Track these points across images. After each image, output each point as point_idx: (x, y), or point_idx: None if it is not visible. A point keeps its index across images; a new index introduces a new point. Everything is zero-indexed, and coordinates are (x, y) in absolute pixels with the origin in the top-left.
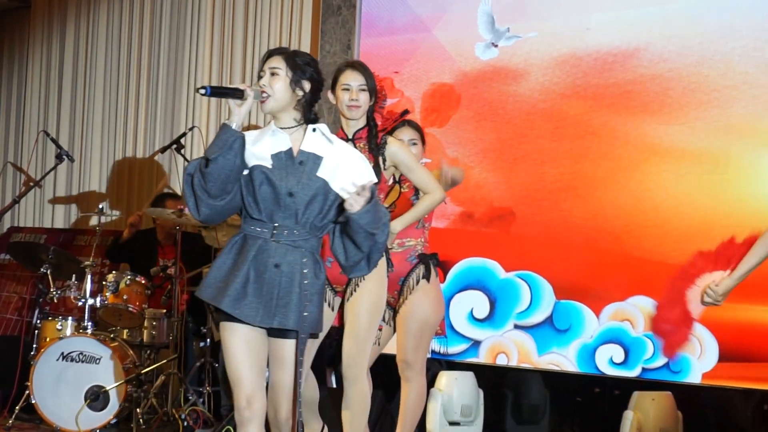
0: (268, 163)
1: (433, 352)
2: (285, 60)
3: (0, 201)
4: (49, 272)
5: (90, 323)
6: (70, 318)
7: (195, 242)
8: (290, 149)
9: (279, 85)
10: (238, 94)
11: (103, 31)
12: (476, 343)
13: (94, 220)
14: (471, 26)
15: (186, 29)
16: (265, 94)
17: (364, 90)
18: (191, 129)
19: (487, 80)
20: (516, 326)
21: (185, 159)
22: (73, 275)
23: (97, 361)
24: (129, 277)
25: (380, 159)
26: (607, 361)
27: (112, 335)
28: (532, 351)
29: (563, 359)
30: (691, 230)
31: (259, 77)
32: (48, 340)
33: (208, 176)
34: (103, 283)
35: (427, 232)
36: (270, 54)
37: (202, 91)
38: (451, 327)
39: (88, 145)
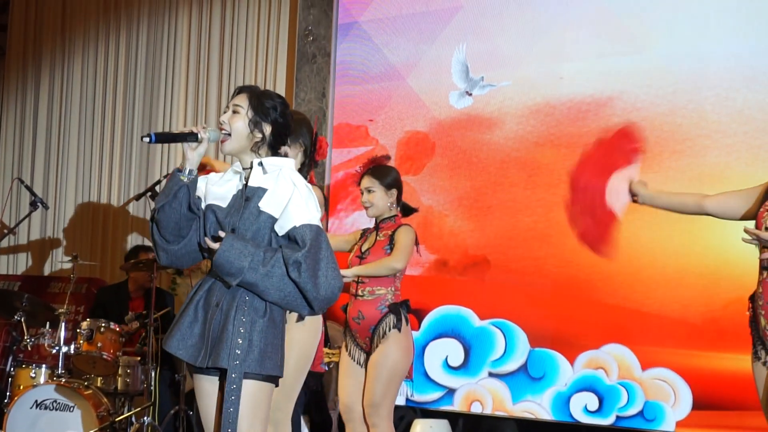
0: (224, 203)
1: (407, 400)
2: (249, 99)
3: None
4: (23, 319)
5: (64, 371)
6: (43, 366)
7: (165, 298)
8: (243, 187)
9: (238, 124)
10: (191, 137)
11: (77, 78)
12: (451, 391)
13: (68, 268)
14: (445, 75)
15: (160, 79)
16: (224, 132)
17: None
18: (166, 176)
19: (462, 128)
20: (490, 374)
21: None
22: (47, 323)
23: (71, 409)
24: (103, 324)
25: None
26: (582, 409)
27: (86, 383)
28: (507, 399)
29: (538, 407)
30: (665, 278)
31: (224, 112)
32: (21, 387)
33: (159, 224)
34: (77, 330)
35: (398, 281)
36: (239, 90)
37: (146, 139)
38: (426, 375)
39: (63, 192)
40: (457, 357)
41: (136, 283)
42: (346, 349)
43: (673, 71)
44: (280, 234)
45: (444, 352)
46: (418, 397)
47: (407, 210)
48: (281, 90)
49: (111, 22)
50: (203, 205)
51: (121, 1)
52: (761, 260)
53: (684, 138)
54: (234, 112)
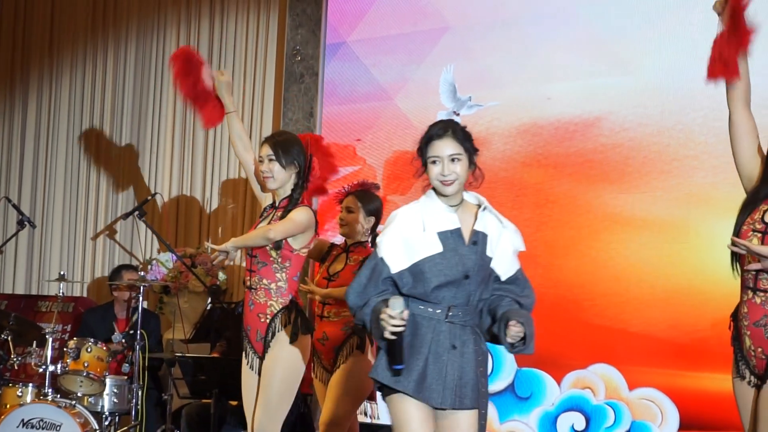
0: (437, 246)
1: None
2: (460, 143)
3: None
4: (9, 338)
5: (51, 390)
6: (30, 384)
7: (151, 318)
8: (458, 229)
9: (461, 170)
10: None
11: (65, 97)
12: None
13: (55, 287)
14: (433, 95)
15: (148, 97)
16: (449, 178)
17: (272, 160)
18: (153, 195)
19: None
20: None
21: (147, 225)
22: (34, 341)
23: (58, 428)
24: (90, 343)
25: None
26: (569, 429)
27: (73, 402)
28: (494, 418)
29: (525, 427)
30: (651, 298)
31: (432, 162)
32: (8, 406)
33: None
34: (64, 349)
35: None
36: (433, 137)
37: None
38: None
39: (50, 211)
40: None
41: (121, 303)
42: (314, 372)
43: (661, 92)
44: (503, 278)
45: None
46: (371, 414)
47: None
48: (269, 109)
49: (99, 41)
50: (419, 258)
51: (109, 20)
52: (744, 279)
53: (671, 159)
54: (453, 160)
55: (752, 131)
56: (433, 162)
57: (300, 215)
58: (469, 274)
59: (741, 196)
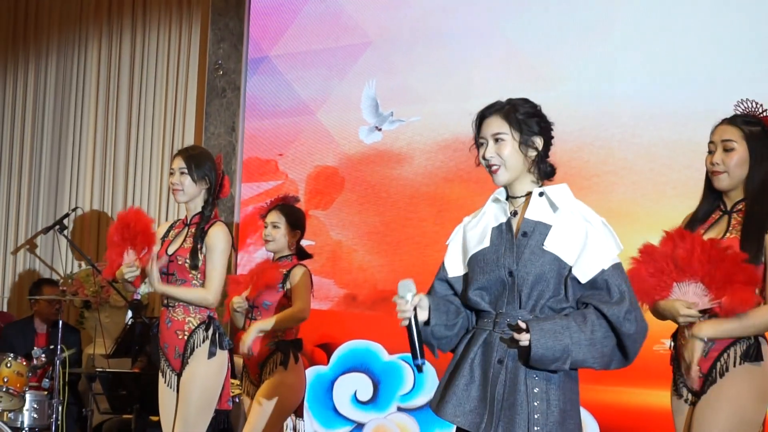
0: (486, 242)
1: None
2: (506, 120)
3: None
4: None
5: None
6: None
7: (71, 333)
8: (509, 220)
9: (507, 152)
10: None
11: None
12: (359, 426)
13: None
14: (355, 110)
15: (70, 110)
16: (494, 165)
17: (184, 173)
18: (74, 210)
19: (371, 163)
20: (399, 408)
21: (68, 240)
22: None
23: None
24: (10, 358)
25: (199, 244)
26: None
27: None
28: None
29: None
30: None
31: (480, 144)
32: None
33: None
34: None
35: None
36: (483, 116)
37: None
38: (334, 409)
39: None
40: (366, 391)
41: (42, 317)
42: (243, 385)
43: (581, 109)
44: (582, 281)
45: (353, 386)
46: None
47: (303, 254)
48: (190, 124)
49: (20, 53)
50: (468, 257)
51: (29, 34)
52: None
53: (591, 175)
54: (497, 140)
55: None
56: (480, 144)
57: (217, 250)
58: (512, 270)
59: (660, 211)
